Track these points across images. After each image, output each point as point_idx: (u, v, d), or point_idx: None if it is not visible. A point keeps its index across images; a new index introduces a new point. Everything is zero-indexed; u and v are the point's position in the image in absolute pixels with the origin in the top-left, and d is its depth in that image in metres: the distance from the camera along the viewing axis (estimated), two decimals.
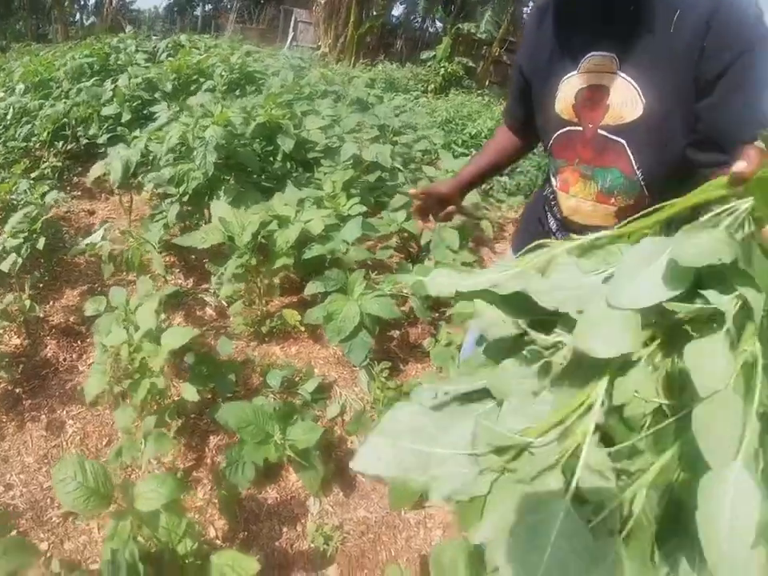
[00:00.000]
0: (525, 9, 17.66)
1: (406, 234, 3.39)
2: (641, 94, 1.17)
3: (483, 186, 4.33)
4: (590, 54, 1.23)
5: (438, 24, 18.04)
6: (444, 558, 1.64)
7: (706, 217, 0.64)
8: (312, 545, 2.16)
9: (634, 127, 1.21)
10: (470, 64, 13.15)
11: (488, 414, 0.66)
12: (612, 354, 0.57)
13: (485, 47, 16.32)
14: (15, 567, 1.36)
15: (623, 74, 1.18)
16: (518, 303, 0.69)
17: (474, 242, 3.81)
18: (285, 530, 2.19)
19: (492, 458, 0.61)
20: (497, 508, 0.59)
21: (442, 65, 11.69)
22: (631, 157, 1.25)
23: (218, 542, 2.11)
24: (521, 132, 1.65)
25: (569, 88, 1.28)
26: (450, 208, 1.69)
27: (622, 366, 0.60)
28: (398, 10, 18.68)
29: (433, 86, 10.73)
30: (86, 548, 2.10)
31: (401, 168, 3.74)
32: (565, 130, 1.34)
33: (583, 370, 0.61)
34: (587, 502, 0.56)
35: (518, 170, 5.00)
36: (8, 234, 2.78)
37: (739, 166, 0.63)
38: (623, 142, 1.24)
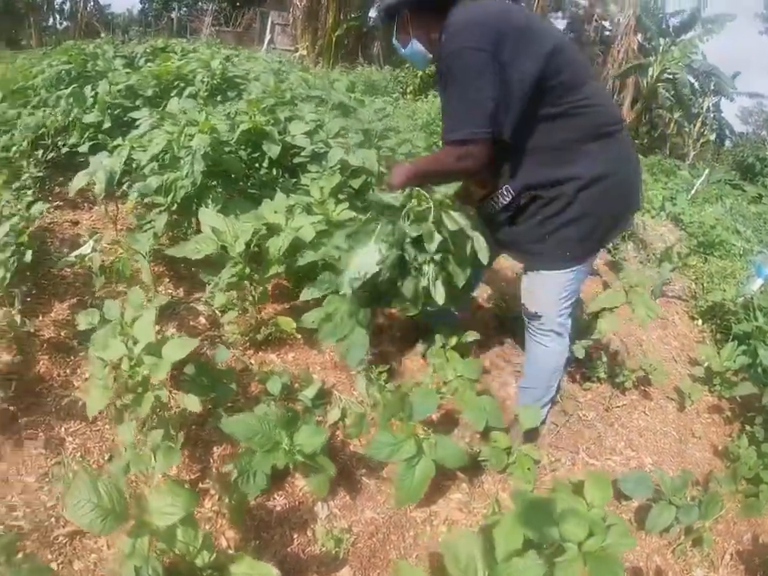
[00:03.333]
0: None
1: None
2: None
3: None
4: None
5: None
6: (460, 552, 1.68)
7: None
8: (323, 548, 2.18)
9: None
10: None
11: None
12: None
13: None
14: None
15: None
16: None
17: None
18: (295, 535, 2.21)
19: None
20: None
21: None
22: None
23: (230, 551, 2.11)
24: None
25: None
26: None
27: None
28: (374, 12, 18.70)
29: (411, 87, 10.76)
30: (97, 567, 2.08)
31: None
32: None
33: None
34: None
35: None
36: None
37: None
38: None
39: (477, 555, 1.70)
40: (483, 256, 2.23)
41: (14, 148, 4.30)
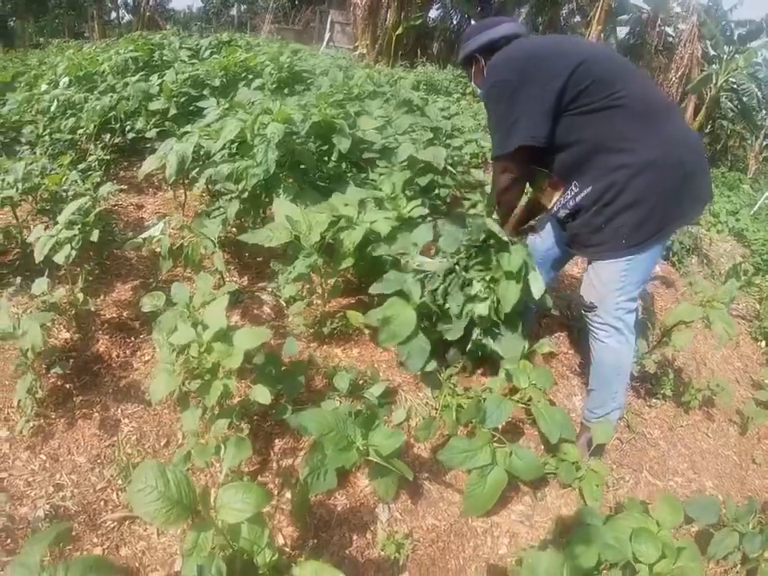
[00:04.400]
0: (562, 11, 17.50)
1: None
2: None
3: None
4: None
5: None
6: (539, 568, 1.60)
7: None
8: (382, 553, 2.11)
9: None
10: None
11: None
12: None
13: None
14: None
15: None
16: None
17: None
18: (355, 537, 2.15)
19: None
20: None
21: None
22: None
23: (287, 549, 2.07)
24: None
25: None
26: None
27: None
28: (433, 13, 18.64)
29: (471, 88, 10.57)
30: (145, 555, 2.05)
31: (453, 171, 3.69)
32: None
33: None
34: None
35: None
36: (62, 225, 2.73)
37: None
38: None
39: (556, 574, 1.63)
40: (536, 290, 2.45)
41: (81, 131, 4.36)
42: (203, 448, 1.97)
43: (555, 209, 2.48)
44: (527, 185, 2.66)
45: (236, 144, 3.20)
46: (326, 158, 3.40)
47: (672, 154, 2.19)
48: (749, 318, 4.91)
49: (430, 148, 3.29)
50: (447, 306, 2.49)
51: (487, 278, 2.46)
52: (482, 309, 2.44)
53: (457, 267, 2.51)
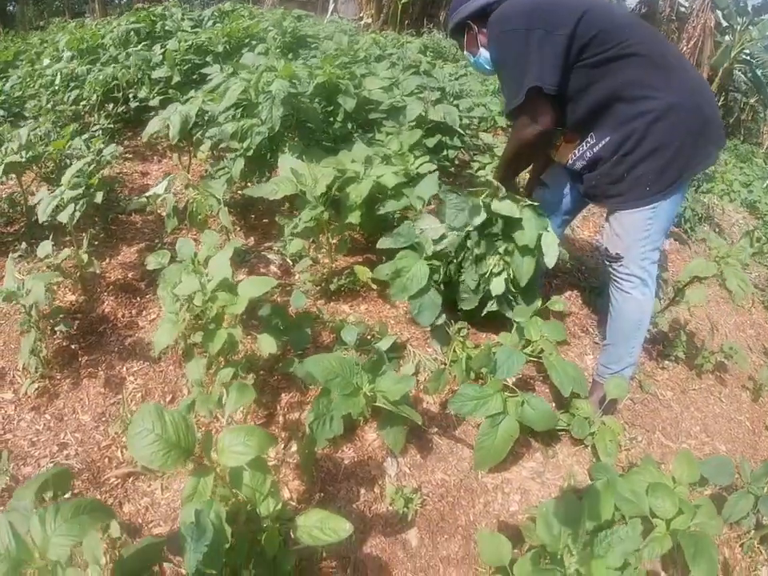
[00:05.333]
0: None
1: None
2: None
3: None
4: None
5: None
6: (556, 517, 1.56)
7: None
8: (391, 507, 2.08)
9: None
10: None
11: None
12: None
13: None
14: (93, 526, 1.26)
15: None
16: None
17: None
18: (362, 491, 2.12)
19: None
20: None
21: None
22: None
23: (293, 503, 2.04)
24: None
25: None
26: None
27: None
28: None
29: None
30: (149, 510, 2.03)
31: (462, 132, 3.62)
32: None
33: None
34: None
35: None
36: (65, 185, 2.69)
37: None
38: None
39: (575, 521, 1.58)
40: (551, 259, 2.43)
41: (84, 102, 4.32)
42: (206, 397, 1.93)
43: (571, 161, 2.43)
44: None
45: (240, 108, 3.14)
46: (332, 119, 3.35)
47: (692, 99, 2.18)
48: (761, 287, 4.85)
49: (440, 106, 3.22)
50: (462, 278, 2.48)
51: (501, 250, 2.44)
52: (497, 286, 2.44)
53: (469, 242, 2.46)
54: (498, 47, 2.31)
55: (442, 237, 2.43)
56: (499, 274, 2.45)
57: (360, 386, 1.80)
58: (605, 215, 2.51)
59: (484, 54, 2.44)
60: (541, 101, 2.20)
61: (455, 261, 2.52)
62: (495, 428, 2.02)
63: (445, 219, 2.43)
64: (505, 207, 2.38)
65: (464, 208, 2.38)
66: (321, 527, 1.51)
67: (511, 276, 2.45)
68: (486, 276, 2.46)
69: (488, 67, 2.49)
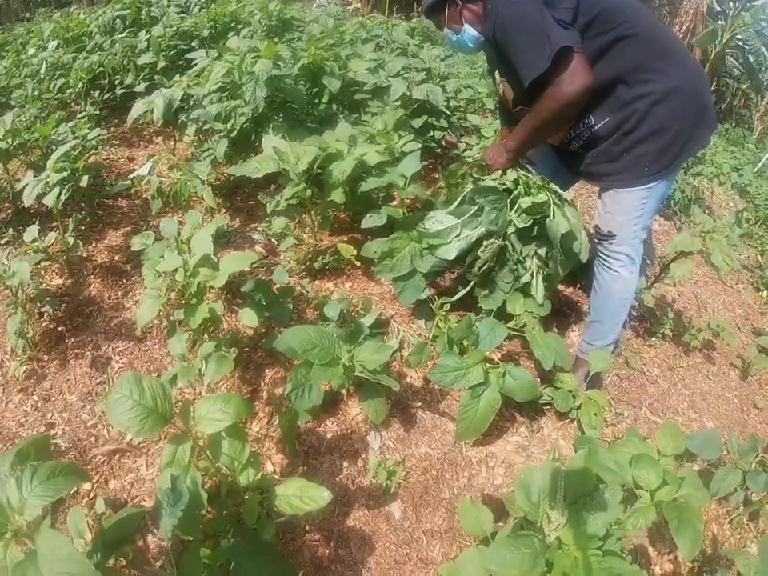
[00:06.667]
0: None
1: None
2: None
3: None
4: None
5: None
6: (533, 485, 1.56)
7: None
8: (374, 480, 2.09)
9: None
10: None
11: None
12: None
13: None
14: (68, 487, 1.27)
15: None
16: None
17: None
18: (345, 464, 2.13)
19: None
20: None
21: None
22: None
23: (276, 477, 2.05)
24: None
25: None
26: None
27: None
28: None
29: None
30: (134, 486, 2.05)
31: (449, 113, 3.61)
32: None
33: None
34: None
35: None
36: (51, 169, 2.69)
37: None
38: None
39: (553, 489, 1.59)
40: (584, 255, 2.42)
41: (69, 90, 4.30)
42: (187, 369, 1.93)
43: (566, 141, 2.42)
44: None
45: (225, 91, 3.12)
46: (317, 101, 3.34)
47: (691, 83, 2.18)
48: (751, 267, 4.87)
49: (424, 85, 3.21)
50: (493, 275, 2.46)
51: (540, 252, 2.37)
52: (539, 290, 2.40)
53: (508, 245, 2.38)
54: (507, 16, 2.13)
55: (479, 241, 2.36)
56: (538, 275, 2.41)
57: (339, 356, 1.80)
58: (596, 194, 2.51)
59: (468, 30, 2.32)
60: (575, 58, 2.05)
61: (488, 264, 2.43)
62: (477, 399, 2.03)
63: (459, 216, 2.36)
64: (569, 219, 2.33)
65: (503, 207, 2.30)
66: (300, 495, 1.52)
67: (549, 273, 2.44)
68: (521, 277, 2.42)
69: (471, 45, 2.38)
